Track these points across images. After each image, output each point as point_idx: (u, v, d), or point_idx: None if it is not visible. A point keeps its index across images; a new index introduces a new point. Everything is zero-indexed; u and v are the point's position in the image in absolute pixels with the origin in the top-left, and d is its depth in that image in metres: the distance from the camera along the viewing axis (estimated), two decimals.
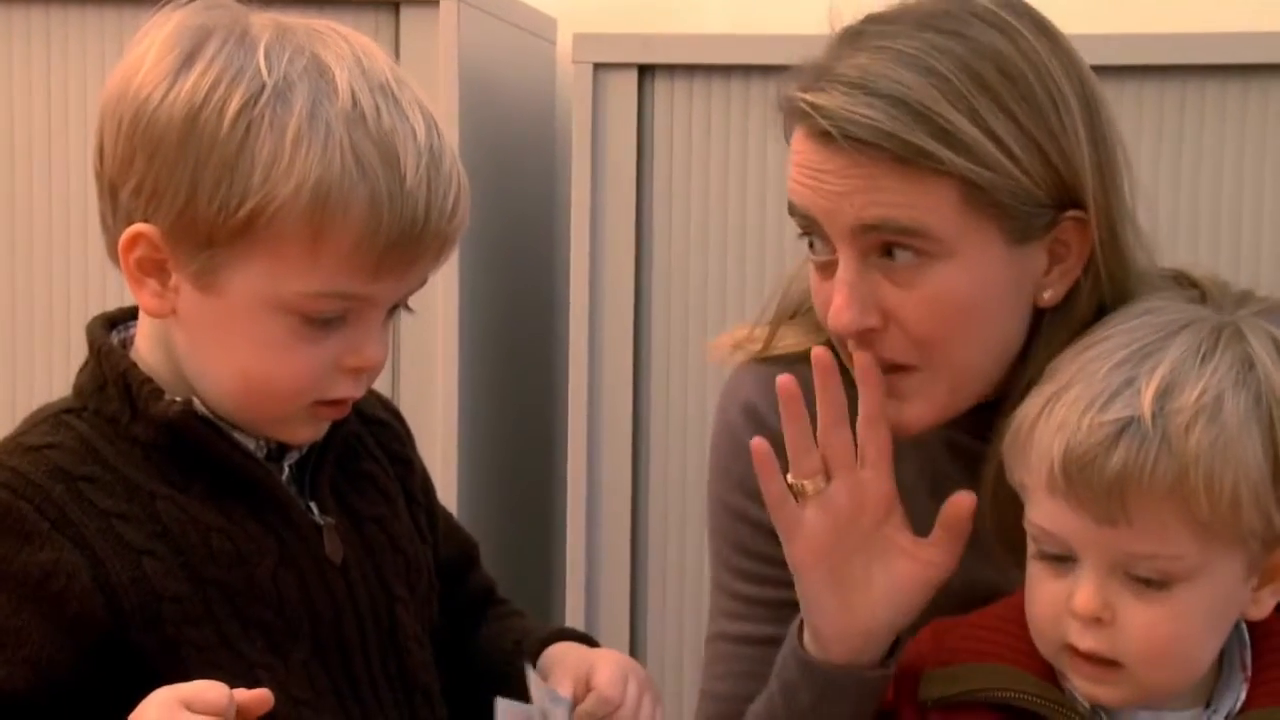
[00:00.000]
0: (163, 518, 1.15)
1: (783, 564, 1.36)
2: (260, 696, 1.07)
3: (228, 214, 1.12)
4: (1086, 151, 1.26)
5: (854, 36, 1.28)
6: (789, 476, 1.27)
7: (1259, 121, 1.88)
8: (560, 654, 1.30)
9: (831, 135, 1.23)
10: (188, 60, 1.14)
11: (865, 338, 1.27)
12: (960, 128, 1.21)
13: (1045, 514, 1.18)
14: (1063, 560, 1.18)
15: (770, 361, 1.41)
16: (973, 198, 1.23)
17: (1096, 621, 1.16)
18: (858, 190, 1.23)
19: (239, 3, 1.19)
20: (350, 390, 1.19)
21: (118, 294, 1.83)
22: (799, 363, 1.33)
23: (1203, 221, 1.90)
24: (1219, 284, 1.36)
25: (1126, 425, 1.14)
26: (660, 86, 2.02)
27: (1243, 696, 1.20)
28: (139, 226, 1.15)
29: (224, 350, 1.16)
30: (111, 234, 1.18)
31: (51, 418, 1.19)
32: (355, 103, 1.13)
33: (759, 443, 1.27)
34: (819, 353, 1.27)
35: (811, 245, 1.30)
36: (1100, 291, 1.29)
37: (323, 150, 1.11)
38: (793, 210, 1.29)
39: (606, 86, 2.01)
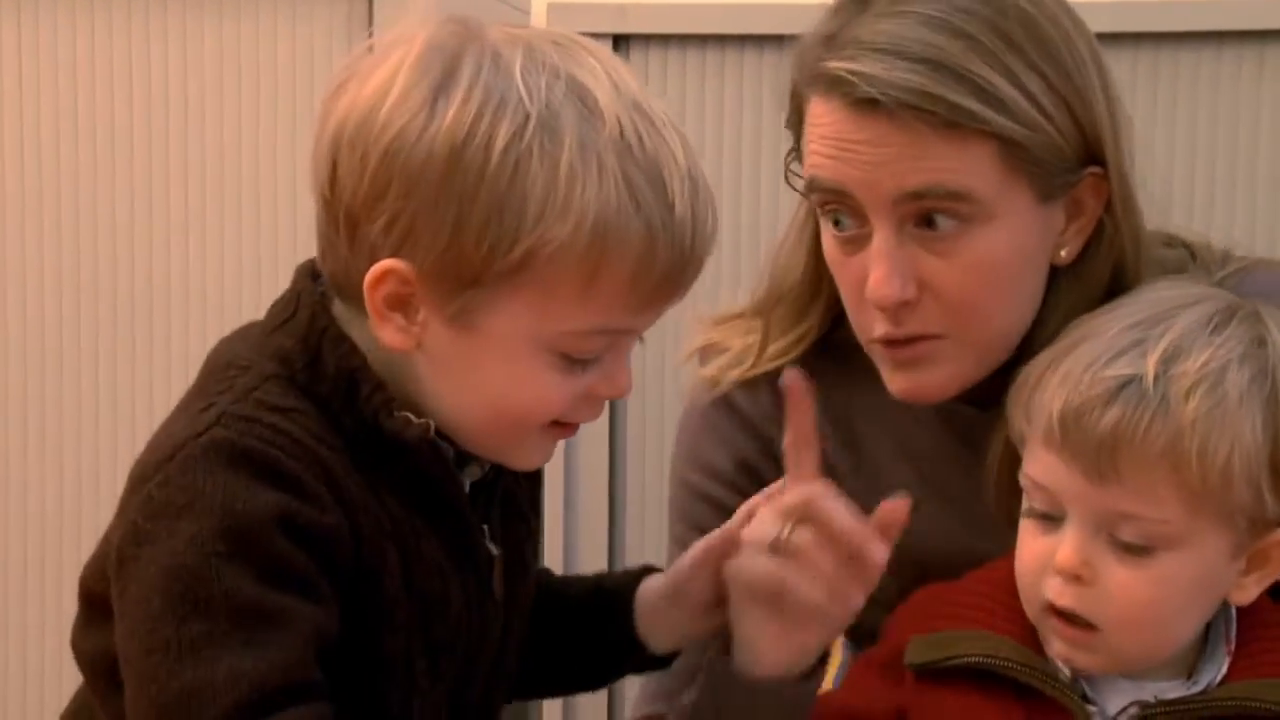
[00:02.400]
0: (385, 516, 1.10)
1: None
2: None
3: (497, 255, 1.05)
4: (1104, 109, 1.26)
5: (859, 3, 1.26)
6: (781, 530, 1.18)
7: (1231, 87, 1.89)
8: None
9: (871, 103, 1.20)
10: (442, 89, 1.06)
11: (899, 312, 1.25)
12: (999, 86, 1.21)
13: (1039, 466, 1.18)
14: (1052, 519, 1.18)
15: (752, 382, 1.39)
16: (1011, 157, 1.22)
17: (1076, 579, 1.16)
18: (898, 158, 1.21)
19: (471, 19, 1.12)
20: (593, 415, 1.14)
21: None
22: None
23: (1178, 187, 1.91)
24: (1205, 245, 1.36)
25: (1127, 383, 1.14)
26: (635, 56, 2.01)
27: (1224, 668, 1.20)
28: (391, 263, 1.07)
29: (473, 383, 1.10)
30: (344, 263, 1.10)
31: (274, 379, 1.10)
32: (621, 129, 1.06)
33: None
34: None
35: (837, 222, 1.27)
36: (1115, 248, 1.28)
37: (598, 185, 1.05)
38: (816, 186, 1.26)
39: None
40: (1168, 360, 1.14)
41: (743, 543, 1.20)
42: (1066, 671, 1.21)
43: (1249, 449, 1.14)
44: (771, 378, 1.33)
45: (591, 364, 1.11)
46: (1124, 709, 1.19)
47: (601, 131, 1.05)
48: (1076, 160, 1.25)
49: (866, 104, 1.21)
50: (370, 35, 1.96)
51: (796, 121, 1.29)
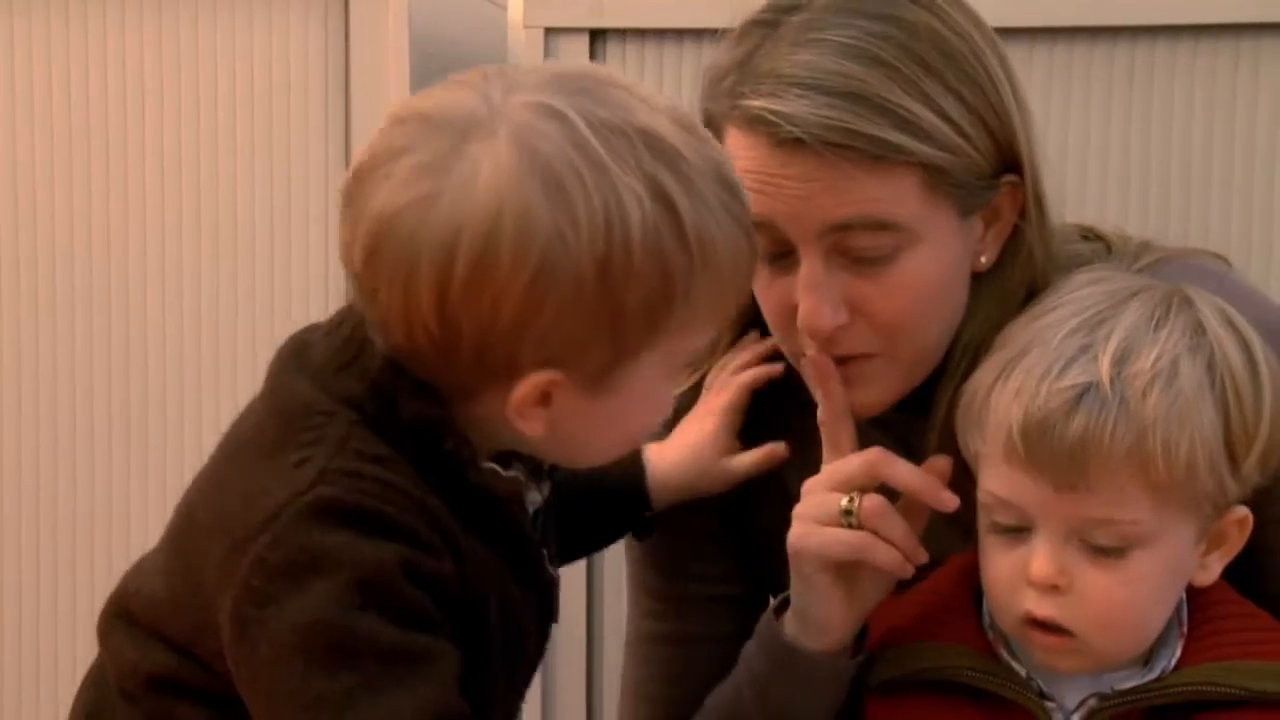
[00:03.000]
0: (482, 559, 1.11)
1: (710, 561, 1.39)
2: None
3: (655, 334, 1.06)
4: (1017, 118, 1.26)
5: (769, 28, 1.25)
6: (842, 501, 1.23)
7: (1166, 81, 1.90)
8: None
9: (796, 142, 1.20)
10: (561, 205, 1.02)
11: (832, 336, 1.26)
12: (920, 115, 1.21)
13: (1002, 482, 1.18)
14: (1017, 531, 1.18)
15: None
16: (933, 182, 1.22)
17: (1054, 589, 1.16)
18: (823, 192, 1.21)
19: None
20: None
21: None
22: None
23: (1112, 178, 1.91)
24: (1122, 237, 1.37)
25: (1085, 390, 1.14)
26: (612, 50, 2.01)
27: (1178, 653, 1.21)
28: (544, 377, 1.05)
29: (606, 432, 1.12)
30: (452, 368, 1.07)
31: (359, 426, 1.07)
32: (692, 155, 1.06)
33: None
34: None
35: (770, 257, 1.26)
36: (1031, 249, 1.29)
37: (717, 229, 1.06)
38: None
39: (558, 51, 2.00)
40: (1120, 362, 1.15)
41: (799, 518, 1.24)
42: (1022, 670, 1.21)
43: (1208, 438, 1.15)
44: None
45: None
46: (1082, 701, 1.20)
47: (687, 170, 1.05)
48: (993, 172, 1.26)
49: (790, 143, 1.21)
50: (347, 15, 1.98)
51: None
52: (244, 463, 1.10)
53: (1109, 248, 1.34)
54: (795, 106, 1.20)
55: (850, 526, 1.22)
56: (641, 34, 2.01)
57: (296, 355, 1.13)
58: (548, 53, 2.00)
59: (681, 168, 1.05)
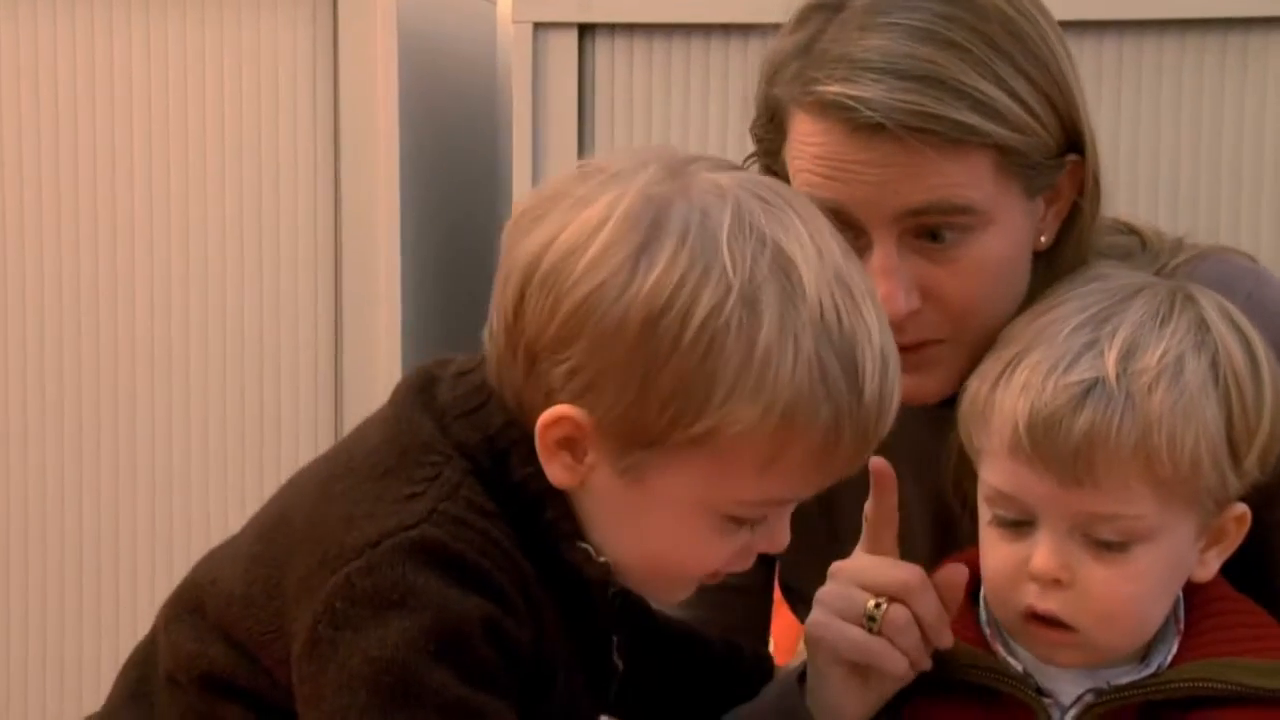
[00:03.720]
0: (558, 635, 1.10)
1: None
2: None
3: (680, 425, 1.03)
4: (1080, 97, 1.26)
5: (832, 11, 1.24)
6: (869, 604, 1.21)
7: (1174, 76, 1.90)
8: None
9: (874, 127, 1.19)
10: (645, 249, 1.02)
11: (903, 322, 1.24)
12: (994, 96, 1.21)
13: (1005, 477, 1.18)
14: (1019, 525, 1.18)
15: None
16: (1005, 163, 1.22)
17: (1055, 583, 1.17)
18: (901, 178, 1.20)
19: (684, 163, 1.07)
20: (745, 565, 1.13)
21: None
22: None
23: (1142, 174, 1.92)
24: (1157, 233, 1.37)
25: (1092, 386, 1.14)
26: (601, 45, 2.01)
27: (1174, 649, 1.21)
28: (569, 410, 1.04)
29: (634, 532, 1.09)
30: (516, 388, 1.08)
31: (472, 475, 1.07)
32: (821, 309, 1.03)
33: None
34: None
35: None
36: (1084, 230, 1.29)
37: (792, 370, 1.02)
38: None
39: (547, 46, 2.00)
40: (1125, 359, 1.15)
41: (821, 605, 1.22)
42: (1019, 666, 1.22)
43: (1212, 434, 1.16)
44: None
45: (756, 523, 1.10)
46: (1079, 698, 1.20)
47: (802, 311, 1.03)
48: (1059, 152, 1.25)
49: (868, 128, 1.20)
50: (335, 10, 1.97)
51: (773, 131, 1.28)
52: (353, 482, 1.09)
53: (1144, 243, 1.33)
54: (872, 91, 1.19)
55: (870, 631, 1.21)
56: (630, 29, 2.01)
57: (423, 390, 1.12)
58: (536, 47, 2.00)
59: (794, 299, 1.03)
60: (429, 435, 1.09)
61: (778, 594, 1.45)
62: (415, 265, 2.05)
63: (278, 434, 2.05)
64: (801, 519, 1.38)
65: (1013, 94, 1.21)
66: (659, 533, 1.08)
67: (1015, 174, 1.23)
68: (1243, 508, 1.20)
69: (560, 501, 1.08)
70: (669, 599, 1.17)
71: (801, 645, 1.43)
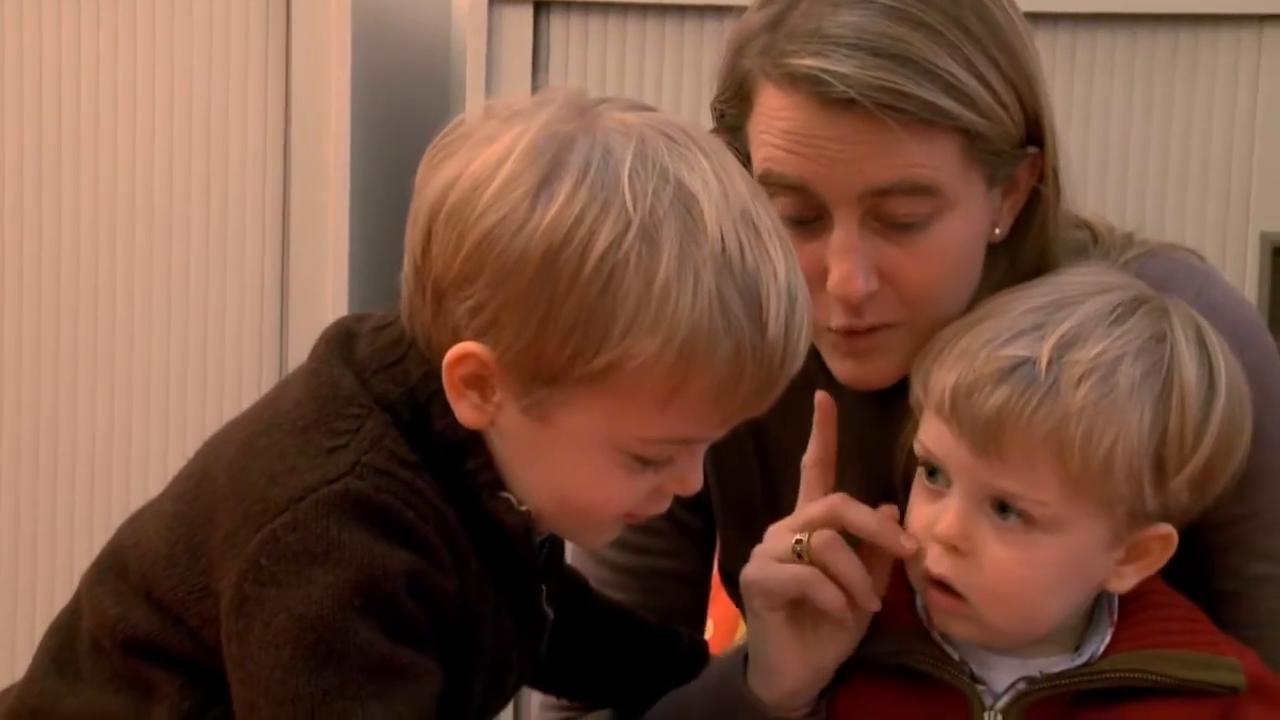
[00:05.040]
0: (484, 584, 1.11)
1: (657, 535, 1.38)
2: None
3: (580, 361, 1.03)
4: (1044, 90, 1.27)
5: None
6: (795, 537, 1.22)
7: (1126, 70, 1.92)
8: None
9: (845, 102, 1.19)
10: (546, 183, 1.03)
11: (860, 304, 1.25)
12: (963, 80, 1.21)
13: (932, 436, 1.20)
14: (940, 489, 1.20)
15: None
16: (971, 148, 1.22)
17: (954, 550, 1.18)
18: (868, 155, 1.20)
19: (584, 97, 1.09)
20: (660, 508, 1.13)
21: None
22: None
23: (1091, 168, 1.93)
24: (1108, 228, 1.37)
25: (1020, 364, 1.16)
26: (556, 23, 2.01)
27: (1107, 640, 1.22)
28: (472, 347, 1.05)
29: (542, 471, 1.09)
30: (426, 329, 1.08)
31: (394, 428, 1.08)
32: (723, 244, 1.04)
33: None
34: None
35: (797, 221, 1.24)
36: (1046, 224, 1.29)
37: (691, 303, 1.02)
38: (772, 179, 1.23)
39: (501, 23, 2.00)
40: (1063, 346, 1.16)
41: (756, 555, 1.23)
42: (955, 654, 1.23)
43: (1133, 442, 1.16)
44: None
45: (663, 463, 1.10)
46: (1011, 685, 1.21)
47: (703, 245, 1.03)
48: (1021, 142, 1.26)
49: (838, 103, 1.20)
50: (288, 7, 1.97)
51: (739, 105, 1.27)
52: (275, 437, 1.09)
53: (1096, 238, 1.33)
54: (845, 66, 1.19)
55: (801, 561, 1.22)
56: (585, 7, 2.02)
57: (342, 344, 1.13)
58: (491, 24, 2.00)
59: (696, 236, 1.03)
60: (350, 389, 1.09)
61: (716, 581, 1.45)
62: (364, 245, 2.05)
63: (220, 406, 2.04)
64: (744, 504, 1.39)
65: (982, 80, 1.21)
66: (567, 472, 1.09)
67: (980, 160, 1.23)
68: (1168, 529, 1.20)
69: (480, 450, 1.09)
70: (590, 542, 1.18)
71: (741, 629, 1.45)
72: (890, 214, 1.23)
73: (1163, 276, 1.29)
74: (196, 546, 1.09)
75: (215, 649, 1.07)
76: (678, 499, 1.37)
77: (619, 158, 1.04)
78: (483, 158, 1.05)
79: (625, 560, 1.41)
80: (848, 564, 1.21)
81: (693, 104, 1.94)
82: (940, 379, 1.19)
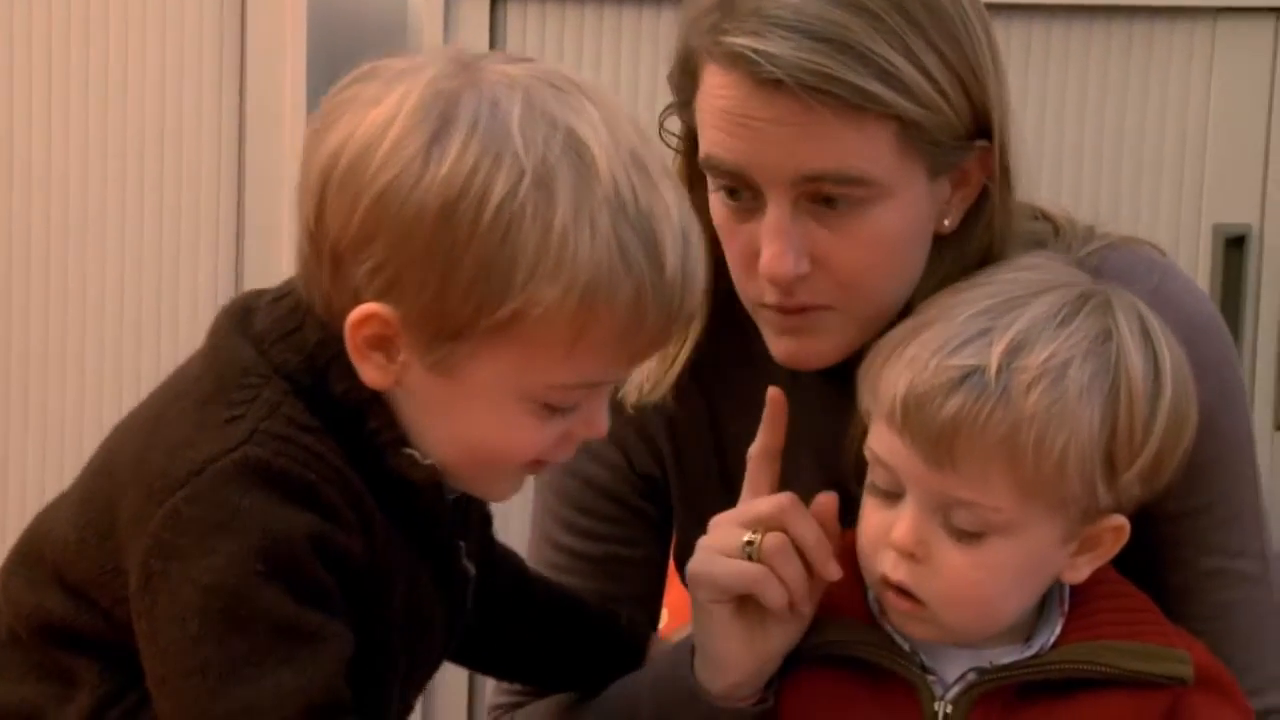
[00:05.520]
0: (394, 543, 1.11)
1: (614, 522, 1.38)
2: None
3: (483, 313, 1.04)
4: (994, 83, 1.26)
5: None
6: (746, 535, 1.23)
7: (1082, 60, 1.92)
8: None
9: (775, 83, 1.19)
10: (437, 138, 1.04)
11: (792, 285, 1.25)
12: (901, 68, 1.20)
13: (882, 445, 1.20)
14: (892, 495, 1.20)
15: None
16: (909, 137, 1.22)
17: (911, 557, 1.18)
18: (799, 139, 1.21)
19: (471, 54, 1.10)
20: (568, 455, 1.14)
21: None
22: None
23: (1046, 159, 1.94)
24: (1070, 220, 1.37)
25: (970, 374, 1.16)
26: (513, 14, 2.01)
27: (1058, 631, 1.23)
28: (375, 308, 1.06)
29: (450, 425, 1.09)
30: (325, 294, 1.08)
31: (293, 395, 1.08)
32: (616, 187, 1.05)
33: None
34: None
35: (731, 191, 1.26)
36: (995, 218, 1.29)
37: (590, 248, 1.03)
38: (712, 164, 1.25)
39: (458, 14, 2.00)
40: (1012, 352, 1.16)
41: (702, 548, 1.24)
42: (906, 644, 1.23)
43: (1084, 443, 1.16)
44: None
45: (570, 409, 1.10)
46: (961, 676, 1.22)
47: (596, 190, 1.04)
48: (967, 135, 1.25)
49: (770, 84, 1.20)
50: (242, 9, 1.96)
51: (687, 82, 1.28)
52: (173, 415, 1.10)
53: (1056, 230, 1.33)
54: (779, 47, 1.19)
55: (750, 559, 1.22)
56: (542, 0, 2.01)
57: (240, 318, 1.13)
58: (448, 16, 1.99)
59: (589, 181, 1.04)
60: (247, 360, 1.10)
61: (672, 568, 1.45)
62: None
63: None
64: (699, 494, 1.39)
65: (921, 68, 1.21)
66: (476, 425, 1.09)
67: (918, 150, 1.23)
68: (1120, 519, 1.20)
69: (381, 410, 1.09)
70: (496, 494, 1.17)
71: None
72: (823, 199, 1.23)
73: (1123, 270, 1.29)
74: (105, 528, 1.09)
75: (129, 630, 1.07)
76: (635, 487, 1.37)
77: (506, 109, 1.05)
78: (370, 119, 1.05)
79: (582, 546, 1.41)
80: (796, 571, 1.22)
81: (650, 94, 1.94)
82: (889, 388, 1.18)
